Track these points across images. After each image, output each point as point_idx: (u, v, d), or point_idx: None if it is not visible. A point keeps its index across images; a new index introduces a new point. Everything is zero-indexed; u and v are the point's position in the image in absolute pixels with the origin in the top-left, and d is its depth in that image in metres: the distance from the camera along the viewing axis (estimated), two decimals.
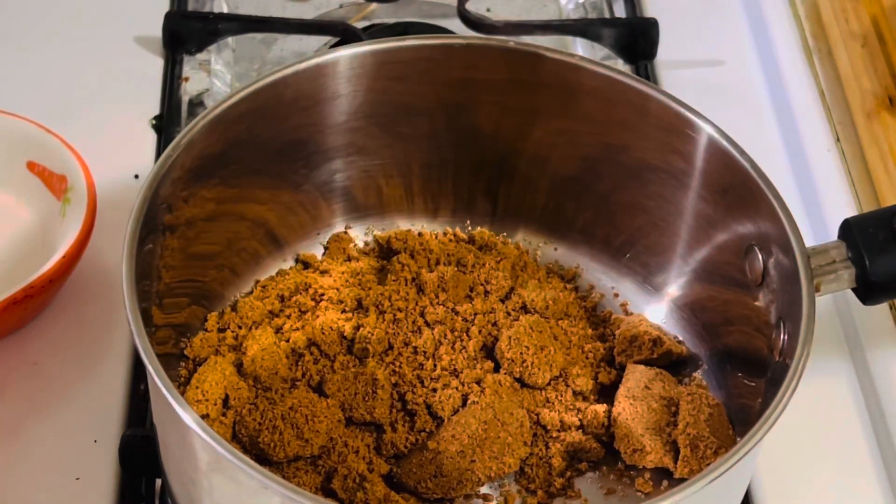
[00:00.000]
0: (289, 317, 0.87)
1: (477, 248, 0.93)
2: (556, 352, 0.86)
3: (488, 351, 0.87)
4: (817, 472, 0.88)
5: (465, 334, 0.87)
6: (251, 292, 0.89)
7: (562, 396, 0.85)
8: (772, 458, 0.86)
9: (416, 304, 0.87)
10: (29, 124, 0.95)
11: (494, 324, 0.88)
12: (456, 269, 0.89)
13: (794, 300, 0.76)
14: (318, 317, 0.86)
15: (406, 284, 0.88)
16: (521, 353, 0.85)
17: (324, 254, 0.93)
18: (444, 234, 0.94)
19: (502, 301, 0.89)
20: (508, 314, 0.88)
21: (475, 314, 0.88)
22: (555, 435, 0.84)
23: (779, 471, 0.87)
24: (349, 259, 0.92)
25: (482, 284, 0.90)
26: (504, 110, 0.90)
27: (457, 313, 0.88)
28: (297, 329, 0.86)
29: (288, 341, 0.85)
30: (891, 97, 1.03)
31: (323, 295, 0.88)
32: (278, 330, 0.86)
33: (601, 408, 0.84)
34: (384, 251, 0.92)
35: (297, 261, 0.92)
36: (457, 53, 0.88)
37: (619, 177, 0.89)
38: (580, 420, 0.84)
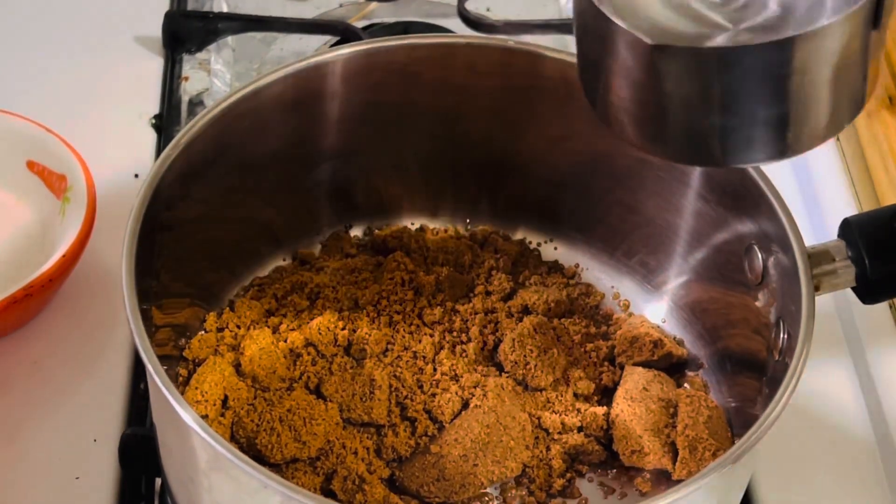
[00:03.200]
0: (285, 316, 0.87)
1: (478, 246, 0.93)
2: (559, 354, 0.85)
3: (489, 352, 0.87)
4: (817, 471, 0.88)
5: (464, 335, 0.87)
6: (249, 291, 0.89)
7: (562, 397, 0.85)
8: (772, 458, 0.86)
9: (415, 305, 0.87)
10: (29, 124, 0.95)
11: (496, 324, 0.88)
12: (452, 269, 0.90)
13: (794, 300, 0.76)
14: (314, 316, 0.86)
15: (402, 284, 0.88)
16: (525, 356, 0.85)
17: (321, 252, 0.93)
18: (446, 230, 0.94)
19: (504, 301, 0.89)
20: (510, 315, 0.88)
21: (475, 314, 0.88)
22: (556, 437, 0.84)
23: (779, 471, 0.87)
24: (346, 257, 0.92)
25: (482, 284, 0.90)
26: (504, 110, 0.90)
27: (456, 312, 0.88)
28: (294, 329, 0.86)
29: (286, 341, 0.85)
30: (891, 97, 1.03)
31: (319, 294, 0.88)
32: (275, 330, 0.86)
33: (600, 410, 0.84)
34: (380, 249, 0.92)
35: (294, 258, 0.92)
36: (457, 53, 0.88)
37: (619, 176, 0.89)
38: (580, 422, 0.84)
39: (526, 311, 0.89)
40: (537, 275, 0.92)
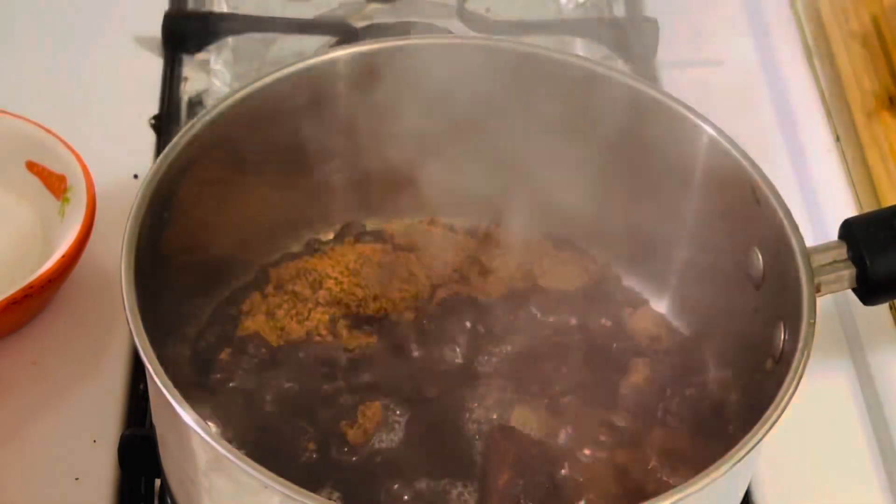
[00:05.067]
0: (281, 312, 0.87)
1: (485, 241, 0.93)
2: (563, 356, 0.85)
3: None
4: (817, 472, 0.88)
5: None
6: (248, 287, 0.89)
7: (566, 401, 0.85)
8: (772, 458, 0.86)
9: (417, 301, 0.87)
10: (29, 124, 0.95)
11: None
12: (460, 264, 0.90)
13: (794, 300, 0.76)
14: (316, 312, 0.86)
15: (408, 281, 0.88)
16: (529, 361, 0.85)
17: (324, 253, 0.93)
18: (451, 228, 0.94)
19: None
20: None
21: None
22: (578, 452, 0.83)
23: (779, 471, 0.87)
24: (353, 255, 0.92)
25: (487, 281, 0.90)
26: (503, 109, 0.90)
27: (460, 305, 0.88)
28: (292, 322, 0.86)
29: (283, 329, 0.85)
30: (891, 97, 1.03)
31: (321, 287, 0.88)
32: (275, 320, 0.86)
33: (602, 413, 0.84)
34: (388, 244, 0.92)
35: (303, 250, 0.92)
36: (456, 53, 0.88)
37: (618, 176, 0.89)
38: (587, 427, 0.84)
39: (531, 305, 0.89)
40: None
